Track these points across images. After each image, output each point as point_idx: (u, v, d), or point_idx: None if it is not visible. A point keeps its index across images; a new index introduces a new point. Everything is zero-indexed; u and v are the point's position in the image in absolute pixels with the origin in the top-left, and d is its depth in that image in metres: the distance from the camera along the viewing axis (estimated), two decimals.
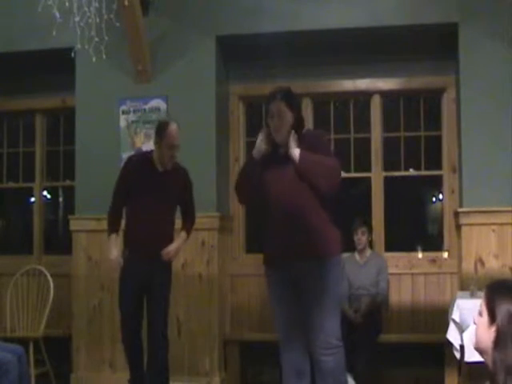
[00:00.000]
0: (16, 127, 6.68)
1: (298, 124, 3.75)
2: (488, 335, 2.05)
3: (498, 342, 2.02)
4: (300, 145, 3.69)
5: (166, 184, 4.58)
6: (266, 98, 3.81)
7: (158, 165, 4.62)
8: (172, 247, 4.61)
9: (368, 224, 5.63)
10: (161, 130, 4.58)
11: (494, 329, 2.04)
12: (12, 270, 5.94)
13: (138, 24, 5.42)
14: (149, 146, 5.59)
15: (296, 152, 3.63)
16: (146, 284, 4.59)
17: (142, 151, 4.81)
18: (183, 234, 4.74)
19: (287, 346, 3.81)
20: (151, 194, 4.55)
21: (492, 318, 2.05)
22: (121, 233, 4.78)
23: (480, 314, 2.10)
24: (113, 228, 4.67)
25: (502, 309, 2.03)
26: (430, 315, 5.64)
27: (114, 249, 4.61)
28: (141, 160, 4.70)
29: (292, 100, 3.75)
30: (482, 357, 2.11)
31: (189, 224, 4.79)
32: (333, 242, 3.72)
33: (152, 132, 5.58)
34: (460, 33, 5.38)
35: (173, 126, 4.55)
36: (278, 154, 3.79)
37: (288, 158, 3.70)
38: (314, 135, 3.88)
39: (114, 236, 4.64)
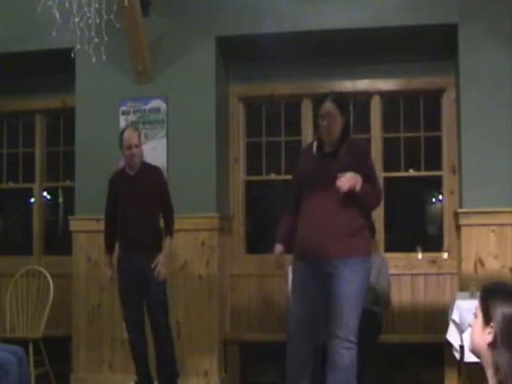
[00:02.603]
0: (16, 128, 6.68)
1: (346, 129, 3.85)
2: (482, 337, 2.05)
3: (497, 344, 2.02)
4: (347, 152, 3.82)
5: (138, 184, 4.91)
6: (318, 100, 3.91)
7: (128, 169, 4.96)
8: (160, 260, 4.85)
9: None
10: (120, 135, 5.02)
11: (488, 331, 2.04)
12: (12, 271, 5.94)
13: (138, 25, 5.42)
14: (148, 146, 5.61)
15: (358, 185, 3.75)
16: (141, 278, 4.85)
17: (119, 168, 5.17)
18: (168, 241, 4.96)
19: (296, 338, 3.91)
20: (129, 197, 4.91)
21: (486, 320, 2.05)
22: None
23: (475, 316, 2.11)
24: (109, 248, 5.06)
25: (497, 311, 2.03)
26: (430, 316, 5.64)
27: (108, 268, 5.04)
28: (117, 172, 5.08)
29: (343, 104, 3.87)
30: (478, 358, 2.11)
31: (169, 228, 4.98)
32: (361, 246, 3.84)
33: (152, 132, 5.62)
34: (460, 33, 5.38)
35: (128, 130, 5.01)
36: (322, 153, 3.89)
37: (331, 158, 3.82)
38: (363, 150, 4.00)
39: (109, 256, 5.05)
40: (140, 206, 4.86)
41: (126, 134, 4.94)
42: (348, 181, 3.64)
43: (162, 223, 5.02)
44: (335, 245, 3.75)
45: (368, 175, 3.82)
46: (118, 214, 4.94)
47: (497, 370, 2.00)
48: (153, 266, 4.80)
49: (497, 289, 2.10)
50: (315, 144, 3.96)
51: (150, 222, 4.92)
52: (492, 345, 2.03)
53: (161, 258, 4.85)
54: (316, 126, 3.90)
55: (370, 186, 3.79)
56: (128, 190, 4.90)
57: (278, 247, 4.02)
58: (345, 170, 3.70)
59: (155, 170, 5.04)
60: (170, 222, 4.98)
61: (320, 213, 3.76)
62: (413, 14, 5.41)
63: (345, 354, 3.75)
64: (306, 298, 3.88)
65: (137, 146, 4.91)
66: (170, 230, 4.96)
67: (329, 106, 3.78)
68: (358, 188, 3.69)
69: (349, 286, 3.74)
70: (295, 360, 3.93)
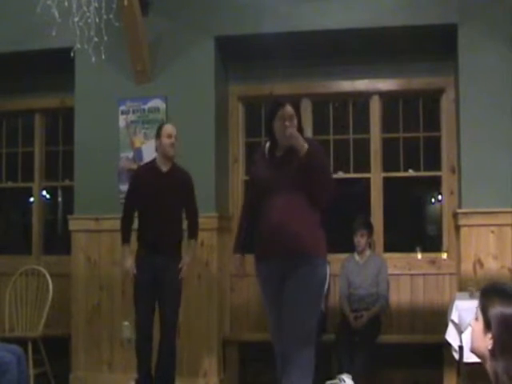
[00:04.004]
0: (15, 127, 6.68)
1: (300, 130, 3.91)
2: (483, 342, 2.03)
3: (496, 350, 2.00)
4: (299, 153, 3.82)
5: (170, 182, 4.89)
6: (273, 104, 3.91)
7: (162, 165, 4.92)
8: (186, 262, 4.93)
9: (368, 226, 5.63)
10: (158, 128, 5.02)
11: (490, 336, 2.02)
12: (11, 270, 5.94)
13: (138, 24, 5.42)
14: (148, 146, 5.60)
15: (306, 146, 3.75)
16: (160, 280, 4.84)
17: (146, 162, 5.15)
18: (193, 243, 5.06)
19: (278, 341, 3.90)
20: (158, 194, 4.85)
21: (487, 324, 2.03)
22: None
23: (476, 318, 2.09)
24: (126, 237, 4.97)
25: (495, 315, 2.01)
26: (429, 316, 5.64)
27: (129, 258, 4.91)
28: (145, 166, 5.06)
29: (298, 108, 3.95)
30: (479, 359, 2.11)
31: (195, 231, 5.04)
32: (318, 245, 3.86)
33: (151, 132, 5.62)
34: (459, 34, 5.38)
35: (168, 124, 5.05)
36: (275, 156, 3.94)
37: (284, 160, 3.85)
38: (316, 146, 3.96)
39: (127, 246, 4.95)
40: (169, 207, 4.85)
41: (168, 125, 4.97)
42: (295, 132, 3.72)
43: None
44: (293, 242, 3.77)
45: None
46: (139, 208, 4.93)
47: (496, 377, 1.99)
48: (180, 266, 4.87)
49: (495, 290, 2.08)
50: (267, 147, 4.00)
51: (176, 223, 4.93)
52: (492, 351, 2.01)
53: (187, 259, 4.93)
54: (269, 130, 3.92)
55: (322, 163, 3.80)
56: (159, 186, 4.85)
57: (238, 258, 4.13)
58: (299, 170, 3.74)
59: (187, 174, 5.02)
60: (195, 225, 5.02)
61: (277, 214, 3.79)
62: (412, 15, 5.41)
63: (298, 353, 3.73)
64: (276, 299, 3.89)
65: (176, 138, 4.91)
66: (195, 233, 5.02)
67: (290, 109, 3.86)
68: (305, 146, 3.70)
69: (305, 285, 3.76)
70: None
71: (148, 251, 4.86)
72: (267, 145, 3.99)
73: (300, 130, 3.89)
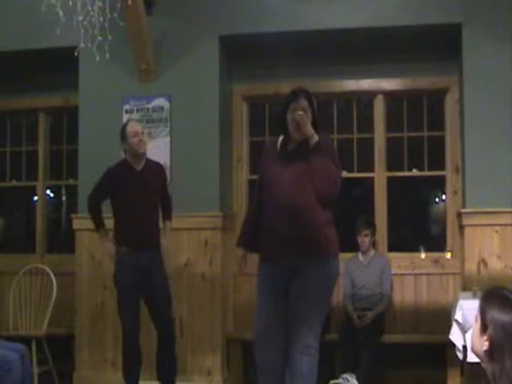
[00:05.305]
0: (19, 126, 6.69)
1: (314, 127, 3.81)
2: (480, 342, 2.05)
3: (494, 354, 2.01)
4: (312, 149, 3.73)
5: (145, 180, 4.89)
6: (287, 97, 3.85)
7: (135, 165, 4.92)
8: (165, 240, 4.98)
9: (371, 225, 5.63)
10: (122, 130, 4.97)
11: (485, 338, 2.03)
12: (15, 269, 5.94)
13: (142, 23, 5.42)
14: (152, 145, 5.60)
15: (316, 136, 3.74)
16: (147, 280, 4.82)
17: (117, 163, 5.08)
18: (168, 224, 5.08)
19: (266, 346, 3.77)
20: (137, 193, 4.85)
21: (483, 326, 2.04)
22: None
23: (476, 318, 2.10)
24: (101, 223, 4.98)
25: (493, 319, 2.02)
26: (433, 316, 5.63)
27: (109, 241, 4.94)
28: (118, 165, 5.00)
29: (312, 101, 3.87)
30: (477, 357, 2.11)
31: (169, 213, 5.09)
32: (329, 243, 3.74)
33: (155, 131, 5.62)
34: (463, 33, 5.37)
35: (131, 121, 5.10)
36: (286, 151, 3.85)
37: (296, 155, 3.77)
38: (328, 146, 3.86)
39: (103, 230, 4.98)
40: (148, 204, 4.87)
41: (131, 124, 4.98)
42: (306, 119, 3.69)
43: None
44: (301, 246, 3.67)
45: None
46: (117, 208, 4.91)
47: (493, 379, 2.00)
48: (162, 253, 4.92)
49: (495, 296, 2.08)
50: (280, 142, 3.89)
51: (156, 220, 4.96)
52: (488, 353, 2.02)
53: (164, 243, 4.96)
54: (282, 123, 3.84)
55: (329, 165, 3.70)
56: (136, 187, 4.84)
57: (241, 251, 4.02)
58: (310, 166, 3.67)
59: (160, 166, 5.06)
60: (169, 207, 5.08)
61: (285, 212, 3.68)
62: (416, 14, 5.40)
63: (302, 360, 3.62)
64: (274, 304, 3.75)
65: (143, 133, 4.92)
66: (169, 215, 5.07)
67: (304, 102, 3.79)
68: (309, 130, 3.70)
69: (313, 285, 3.66)
70: (269, 372, 3.78)
71: (130, 251, 4.82)
72: (280, 139, 3.89)
73: (314, 123, 3.80)
